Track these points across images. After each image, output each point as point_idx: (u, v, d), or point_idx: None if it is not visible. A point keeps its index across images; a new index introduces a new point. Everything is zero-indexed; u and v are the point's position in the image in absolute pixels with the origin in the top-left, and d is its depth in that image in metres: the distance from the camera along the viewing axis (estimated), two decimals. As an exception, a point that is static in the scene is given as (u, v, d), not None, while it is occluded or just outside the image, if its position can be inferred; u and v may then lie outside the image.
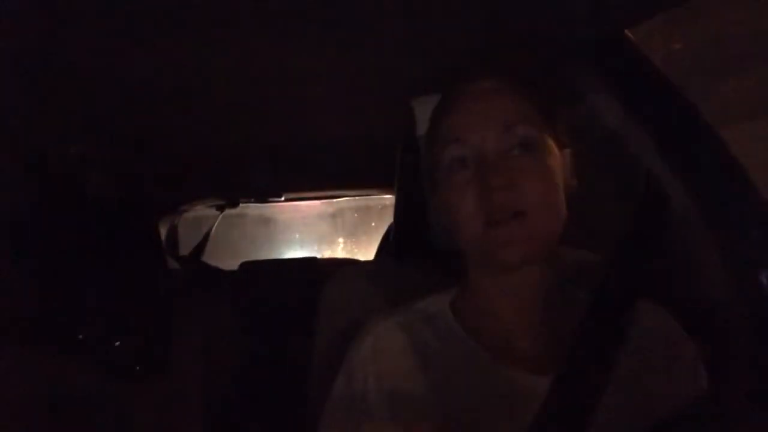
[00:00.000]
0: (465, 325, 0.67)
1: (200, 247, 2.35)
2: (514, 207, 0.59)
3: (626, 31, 0.84)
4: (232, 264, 2.29)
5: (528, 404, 0.58)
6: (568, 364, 0.58)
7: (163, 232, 2.23)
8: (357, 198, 2.71)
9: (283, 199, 2.36)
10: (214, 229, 2.44)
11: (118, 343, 0.92)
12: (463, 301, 0.70)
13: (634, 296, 0.64)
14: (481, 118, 0.63)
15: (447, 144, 0.64)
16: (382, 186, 2.25)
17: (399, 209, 0.84)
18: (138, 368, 0.93)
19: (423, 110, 0.77)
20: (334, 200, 2.85)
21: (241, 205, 2.47)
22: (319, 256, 2.81)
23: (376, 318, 0.70)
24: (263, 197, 2.44)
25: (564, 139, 0.68)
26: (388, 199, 2.49)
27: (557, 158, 0.65)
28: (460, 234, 0.64)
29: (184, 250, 2.45)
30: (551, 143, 0.64)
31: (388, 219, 0.99)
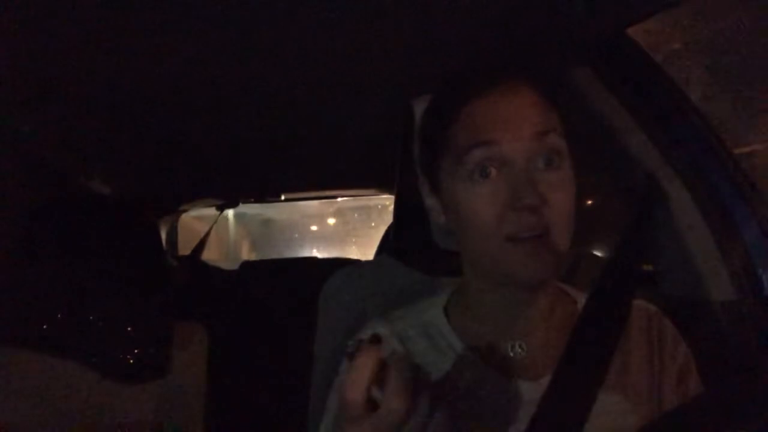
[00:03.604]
0: (461, 333, 0.67)
1: (200, 247, 2.35)
2: (540, 226, 0.57)
3: (626, 31, 0.84)
4: (232, 264, 2.29)
5: (524, 409, 0.58)
6: (565, 367, 0.58)
7: (163, 232, 2.23)
8: (357, 198, 2.72)
9: (282, 199, 2.37)
10: (214, 229, 2.45)
11: (117, 344, 0.92)
12: (460, 307, 0.70)
13: (630, 297, 0.64)
14: (513, 122, 0.59)
15: (472, 146, 0.59)
16: (382, 186, 2.25)
17: (399, 209, 0.84)
18: (138, 369, 0.93)
19: (423, 110, 0.77)
20: (334, 200, 2.85)
21: (241, 205, 2.48)
22: (319, 256, 2.81)
23: (372, 325, 0.70)
24: (263, 197, 2.44)
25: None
26: (388, 199, 2.50)
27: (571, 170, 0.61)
28: (476, 246, 0.61)
29: (185, 250, 2.46)
30: (568, 154, 0.61)
31: (388, 219, 0.99)
